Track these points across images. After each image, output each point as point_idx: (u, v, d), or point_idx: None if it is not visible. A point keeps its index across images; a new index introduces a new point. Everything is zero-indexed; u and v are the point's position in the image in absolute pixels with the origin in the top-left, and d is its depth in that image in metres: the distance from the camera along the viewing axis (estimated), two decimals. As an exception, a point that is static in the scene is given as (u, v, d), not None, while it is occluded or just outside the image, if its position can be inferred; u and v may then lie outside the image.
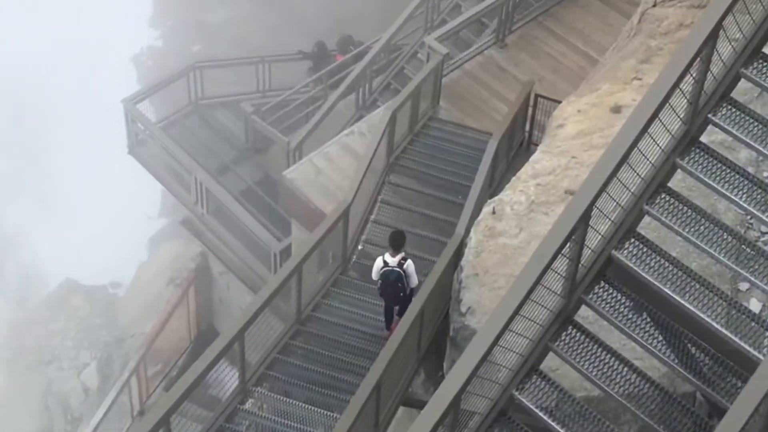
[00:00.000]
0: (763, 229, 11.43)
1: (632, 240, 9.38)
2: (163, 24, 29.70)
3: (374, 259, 13.94)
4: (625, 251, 9.25)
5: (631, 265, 9.18)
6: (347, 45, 22.98)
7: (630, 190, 9.23)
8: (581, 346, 9.27)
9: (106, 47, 28.79)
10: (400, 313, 13.49)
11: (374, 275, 13.51)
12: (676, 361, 9.09)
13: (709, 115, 9.51)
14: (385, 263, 13.23)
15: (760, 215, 9.22)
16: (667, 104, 9.01)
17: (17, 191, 28.05)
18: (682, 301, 8.97)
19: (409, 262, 13.32)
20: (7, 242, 27.59)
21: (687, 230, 9.23)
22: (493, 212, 13.16)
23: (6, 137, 28.02)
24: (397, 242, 13.23)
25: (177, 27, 29.32)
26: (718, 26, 9.06)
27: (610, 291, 9.34)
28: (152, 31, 29.74)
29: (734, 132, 9.44)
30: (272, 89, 22.24)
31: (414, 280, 13.38)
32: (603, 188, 8.87)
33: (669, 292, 9.02)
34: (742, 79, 9.66)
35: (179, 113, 21.71)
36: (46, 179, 27.74)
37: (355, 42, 22.90)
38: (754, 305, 10.89)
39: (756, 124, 9.47)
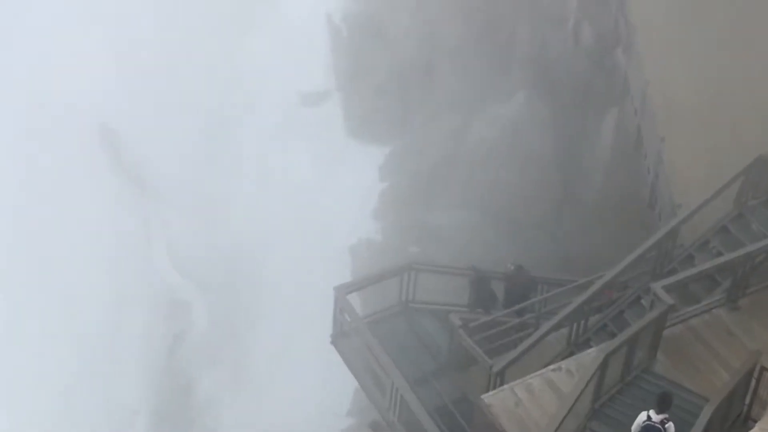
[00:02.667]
0: None
1: None
2: (385, 218, 30.91)
3: None
4: None
5: None
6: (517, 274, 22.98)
7: None
8: None
9: (328, 231, 30.23)
10: None
11: (633, 428, 14.77)
12: None
13: None
14: (649, 417, 14.54)
15: None
16: None
17: (215, 361, 29.35)
18: None
19: (671, 424, 14.48)
20: (196, 410, 28.68)
21: None
22: (700, 487, 13.00)
23: (215, 306, 29.59)
24: (665, 403, 14.52)
25: (398, 224, 30.47)
26: None
27: None
28: (373, 224, 31.07)
29: None
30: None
31: None
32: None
33: None
34: None
35: (387, 312, 22.31)
36: (244, 353, 28.92)
37: (524, 271, 22.86)
38: None
39: None
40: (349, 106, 33.25)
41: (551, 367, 18.39)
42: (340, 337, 22.21)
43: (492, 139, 29.32)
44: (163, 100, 33.96)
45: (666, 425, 14.53)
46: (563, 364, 18.22)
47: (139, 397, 28.40)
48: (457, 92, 31.23)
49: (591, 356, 17.32)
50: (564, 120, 29.00)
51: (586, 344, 20.24)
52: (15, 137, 33.20)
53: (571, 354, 19.41)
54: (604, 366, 16.33)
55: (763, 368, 17.15)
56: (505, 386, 18.16)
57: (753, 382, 17.18)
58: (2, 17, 33.56)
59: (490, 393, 18.03)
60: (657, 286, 18.66)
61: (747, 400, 17.31)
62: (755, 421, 15.51)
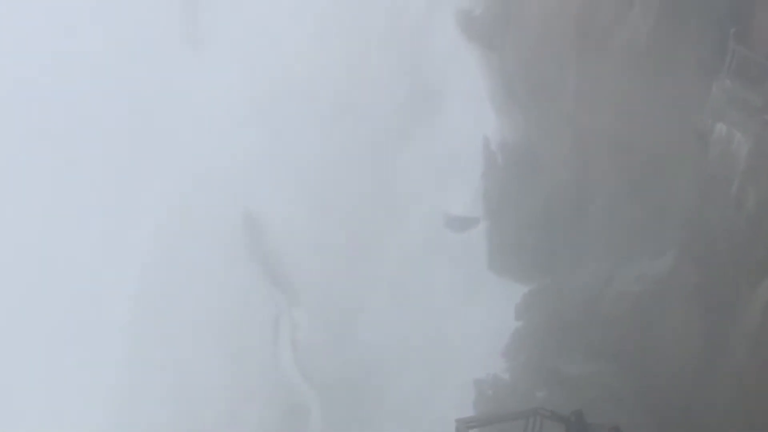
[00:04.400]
0: None
1: None
2: (516, 358, 30.94)
3: None
4: None
5: None
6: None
7: None
8: None
9: (455, 360, 30.46)
10: None
11: None
12: None
13: None
14: None
15: None
16: None
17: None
18: None
19: None
20: None
21: None
22: None
23: (333, 415, 29.98)
24: None
25: (528, 366, 30.38)
26: None
27: None
28: (502, 362, 31.18)
29: None
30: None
31: None
32: None
33: None
34: None
35: (507, 456, 22.76)
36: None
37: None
38: None
39: None
40: (494, 236, 33.63)
41: None
42: (455, 474, 22.37)
43: (636, 294, 29.22)
44: (311, 199, 35.06)
45: None
46: None
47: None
48: (605, 239, 31.30)
49: None
50: (713, 287, 28.77)
51: None
52: (161, 218, 34.76)
53: None
54: None
55: None
56: None
57: None
58: (159, 110, 35.30)
59: None
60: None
61: None
62: None
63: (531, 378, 29.17)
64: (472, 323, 31.27)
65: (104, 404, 33.14)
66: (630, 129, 33.02)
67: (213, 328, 33.77)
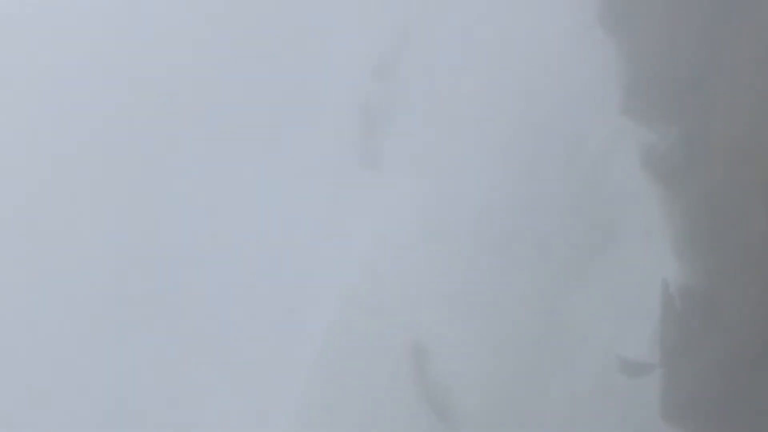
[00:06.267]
0: None
1: None
2: None
3: None
4: None
5: None
6: None
7: None
8: None
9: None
10: None
11: None
12: None
13: None
14: None
15: None
16: None
17: None
18: None
19: None
20: None
21: None
22: None
23: None
24: None
25: None
26: None
27: None
28: None
29: None
30: None
31: None
32: None
33: None
34: None
35: None
36: None
37: None
38: None
39: None
40: (670, 384, 32.93)
41: None
42: None
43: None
44: (479, 331, 35.03)
45: None
46: None
47: None
48: (788, 395, 30.42)
49: None
50: None
51: None
52: (326, 340, 35.32)
53: None
54: None
55: None
56: None
57: None
58: (330, 228, 36.09)
59: None
60: None
61: None
62: None
63: None
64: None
65: None
66: (821, 280, 32.17)
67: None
